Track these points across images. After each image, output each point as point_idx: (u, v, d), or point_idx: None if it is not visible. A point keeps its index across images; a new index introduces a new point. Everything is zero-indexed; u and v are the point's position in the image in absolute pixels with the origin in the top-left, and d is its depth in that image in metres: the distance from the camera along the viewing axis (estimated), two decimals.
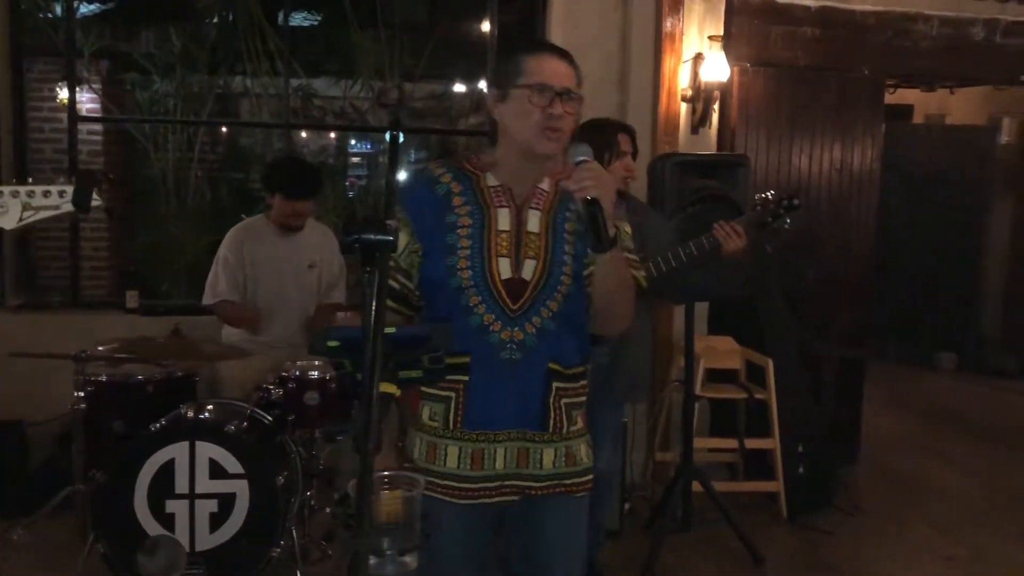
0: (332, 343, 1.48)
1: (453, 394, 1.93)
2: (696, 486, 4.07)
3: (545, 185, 1.99)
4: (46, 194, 1.69)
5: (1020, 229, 8.36)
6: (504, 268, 1.90)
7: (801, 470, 4.56)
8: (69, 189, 1.68)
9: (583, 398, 2.03)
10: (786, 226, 3.39)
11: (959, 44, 5.17)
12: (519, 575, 2.06)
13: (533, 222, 1.94)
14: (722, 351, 4.62)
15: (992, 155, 8.30)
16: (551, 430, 1.96)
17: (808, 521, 4.40)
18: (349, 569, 1.07)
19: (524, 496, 1.97)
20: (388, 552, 1.37)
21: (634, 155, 3.35)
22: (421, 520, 1.41)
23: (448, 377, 1.83)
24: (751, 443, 4.57)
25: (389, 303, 1.87)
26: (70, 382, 3.49)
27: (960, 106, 8.54)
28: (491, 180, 1.97)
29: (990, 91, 7.76)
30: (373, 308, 1.37)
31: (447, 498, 1.93)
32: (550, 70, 1.90)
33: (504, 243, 1.91)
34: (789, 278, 4.89)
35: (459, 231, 1.92)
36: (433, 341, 1.53)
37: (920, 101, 8.59)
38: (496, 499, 1.96)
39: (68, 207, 1.69)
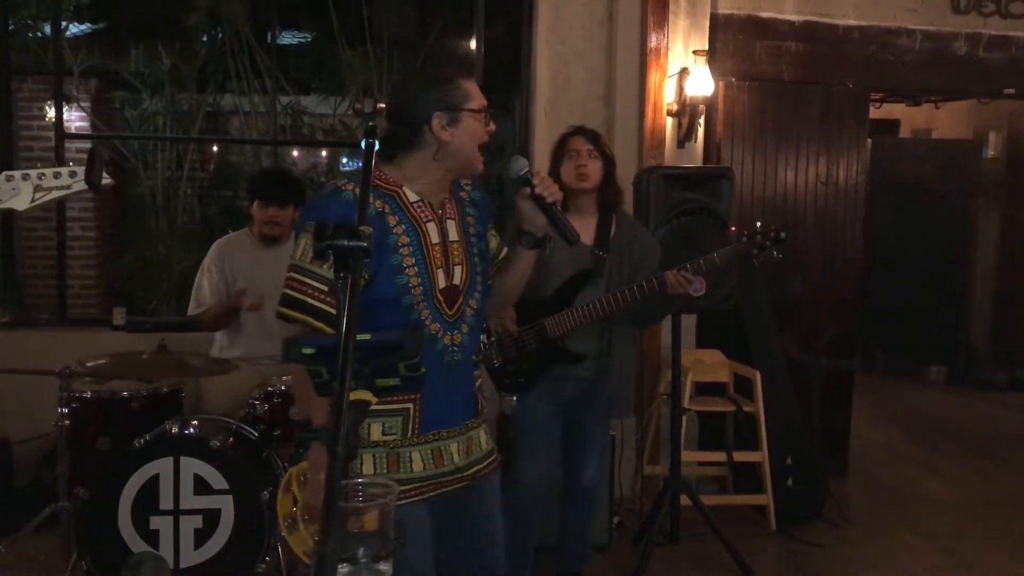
0: (307, 350, 1.48)
1: (410, 405, 2.04)
2: (684, 499, 4.07)
3: (446, 195, 2.16)
4: (56, 175, 1.74)
5: (1007, 243, 8.39)
6: (441, 278, 2.08)
7: (790, 482, 4.56)
8: (79, 169, 1.72)
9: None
10: (775, 256, 3.35)
11: (942, 58, 5.22)
12: (466, 549, 2.24)
13: (452, 231, 2.13)
14: (710, 364, 4.62)
15: (979, 169, 8.35)
16: (479, 413, 2.23)
17: (797, 533, 4.40)
18: (315, 575, 1.06)
19: (475, 481, 2.18)
20: (362, 560, 1.37)
21: (606, 157, 3.32)
22: (396, 527, 1.41)
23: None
24: (740, 456, 4.57)
25: (328, 329, 1.95)
26: (53, 400, 3.48)
27: (946, 120, 8.60)
28: (411, 195, 2.09)
29: (975, 105, 7.83)
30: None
31: (416, 499, 2.04)
32: (477, 92, 2.09)
33: (437, 255, 2.08)
34: (776, 291, 4.91)
35: (402, 250, 2.03)
36: (406, 347, 1.52)
37: (906, 116, 8.65)
38: (450, 488, 2.12)
39: (79, 186, 1.73)
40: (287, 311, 1.98)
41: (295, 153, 8.53)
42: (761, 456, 4.49)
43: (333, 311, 1.96)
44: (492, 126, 2.10)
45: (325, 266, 1.94)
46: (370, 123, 1.71)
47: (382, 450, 2.03)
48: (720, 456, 4.65)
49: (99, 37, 7.20)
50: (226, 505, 3.25)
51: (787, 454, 4.57)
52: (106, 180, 1.75)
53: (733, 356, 4.68)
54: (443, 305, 2.07)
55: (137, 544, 3.20)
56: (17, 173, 1.71)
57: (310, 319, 1.97)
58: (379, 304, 1.96)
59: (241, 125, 7.33)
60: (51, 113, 6.29)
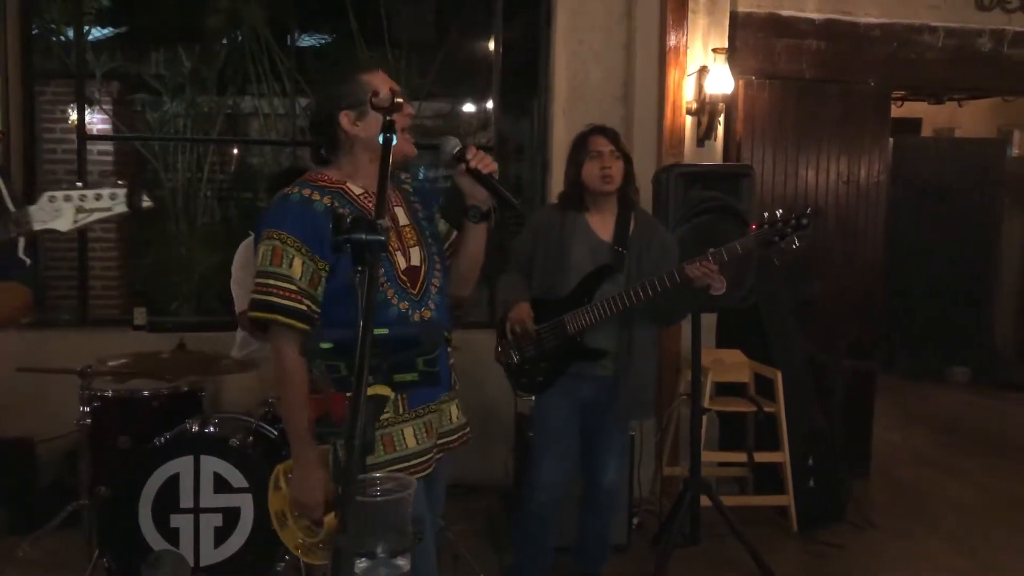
0: (326, 344, 1.47)
1: None
2: (704, 500, 4.04)
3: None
4: (97, 197, 1.75)
5: None
6: (400, 260, 2.16)
7: (811, 484, 4.52)
8: (119, 192, 1.74)
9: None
10: (795, 246, 3.32)
11: (966, 55, 5.16)
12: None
13: (401, 217, 2.22)
14: (730, 364, 4.59)
15: (1002, 168, 8.28)
16: (452, 387, 2.32)
17: (818, 535, 4.36)
18: (332, 568, 1.06)
19: (445, 453, 2.28)
20: (380, 555, 1.36)
21: (626, 157, 3.31)
22: (413, 522, 1.40)
23: None
24: (760, 457, 4.53)
25: (300, 326, 2.05)
26: (75, 399, 3.50)
27: (969, 119, 8.53)
28: (356, 189, 2.18)
29: (999, 104, 7.76)
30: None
31: (418, 476, 2.09)
32: (383, 81, 2.15)
33: (393, 239, 2.15)
34: (797, 291, 4.87)
35: None
36: (424, 343, 1.52)
37: (928, 114, 8.58)
38: (433, 465, 2.21)
39: (120, 208, 1.75)
40: (257, 314, 2.07)
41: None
42: (782, 457, 4.45)
43: (303, 307, 2.05)
44: (408, 109, 2.13)
45: (285, 265, 2.03)
46: (387, 118, 1.70)
47: (377, 431, 2.01)
48: (740, 457, 4.61)
49: (120, 41, 7.25)
50: (246, 504, 3.26)
51: (808, 455, 4.53)
52: (147, 203, 1.78)
53: (753, 356, 4.64)
54: (407, 285, 2.15)
55: (158, 542, 3.21)
56: (59, 194, 1.73)
57: (279, 316, 2.04)
58: (346, 290, 1.96)
59: (261, 127, 7.35)
60: (73, 116, 6.36)
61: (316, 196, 2.12)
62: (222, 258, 4.21)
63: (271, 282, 2.05)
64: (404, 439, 2.14)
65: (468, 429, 2.39)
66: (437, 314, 2.22)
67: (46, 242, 5.54)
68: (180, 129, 7.11)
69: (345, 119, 2.14)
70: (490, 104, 5.20)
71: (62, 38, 6.55)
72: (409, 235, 2.21)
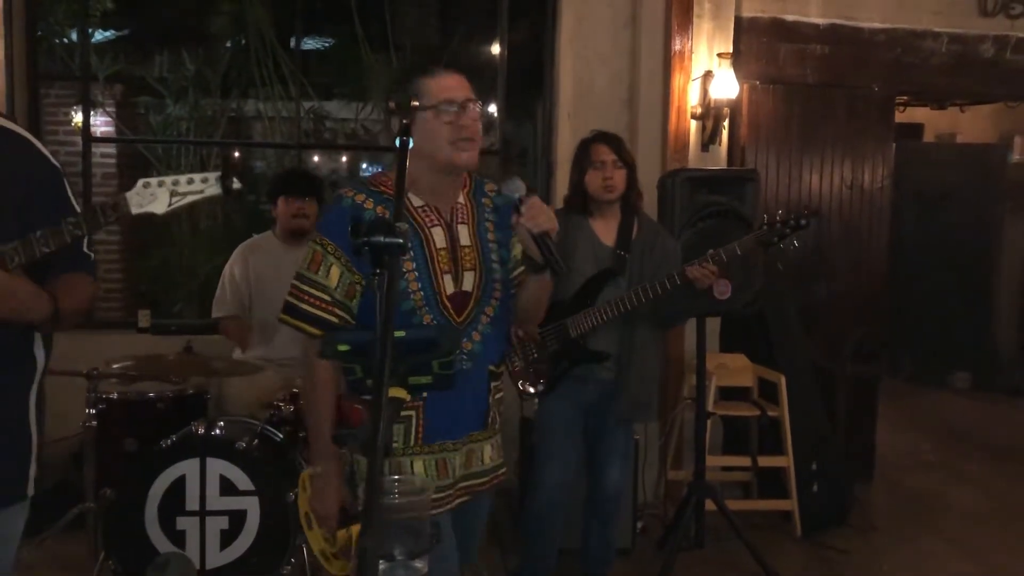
0: (342, 347, 1.48)
1: (412, 413, 2.01)
2: (709, 504, 4.04)
3: (462, 199, 2.11)
4: (189, 181, 1.82)
5: None
6: (448, 284, 2.03)
7: (815, 488, 4.52)
8: (211, 176, 1.80)
9: (501, 393, 2.21)
10: (793, 246, 3.36)
11: (969, 61, 5.17)
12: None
13: (464, 236, 2.09)
14: (734, 368, 4.59)
15: (1004, 173, 8.28)
16: (488, 426, 2.15)
17: (822, 539, 4.36)
18: (357, 568, 1.06)
19: (473, 496, 2.13)
20: (399, 557, 1.37)
21: (628, 165, 3.32)
22: (431, 526, 1.41)
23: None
24: (764, 461, 4.54)
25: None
26: (81, 401, 3.50)
27: (970, 125, 8.53)
28: (416, 200, 2.06)
29: (1000, 109, 7.75)
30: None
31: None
32: (447, 86, 2.03)
33: (444, 260, 2.04)
34: (801, 295, 4.88)
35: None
36: (442, 345, 1.53)
37: (930, 120, 8.58)
38: (453, 504, 2.08)
39: (213, 190, 1.81)
40: (284, 317, 2.05)
41: (316, 159, 8.57)
42: (786, 461, 4.45)
43: (333, 318, 1.99)
44: (465, 117, 2.00)
45: (322, 273, 1.98)
46: (404, 120, 1.71)
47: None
48: (744, 461, 4.62)
49: (123, 43, 7.28)
50: (252, 506, 3.26)
51: (813, 459, 4.53)
52: (237, 185, 1.83)
53: (757, 360, 4.65)
54: (450, 311, 2.02)
55: (164, 544, 3.21)
56: (153, 180, 1.80)
57: (303, 324, 2.01)
58: (373, 308, 1.94)
59: (264, 130, 7.37)
60: (76, 118, 6.36)
61: (369, 204, 2.03)
62: (224, 261, 4.22)
63: (305, 288, 2.00)
64: (413, 473, 2.03)
65: (503, 470, 2.24)
66: (482, 346, 2.08)
67: None
68: (183, 132, 7.12)
69: (396, 124, 2.00)
70: (493, 108, 5.21)
71: (65, 40, 6.58)
72: (468, 257, 2.07)
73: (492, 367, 2.13)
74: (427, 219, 2.05)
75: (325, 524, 2.06)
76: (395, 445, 2.01)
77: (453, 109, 1.99)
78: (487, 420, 2.13)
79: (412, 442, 2.03)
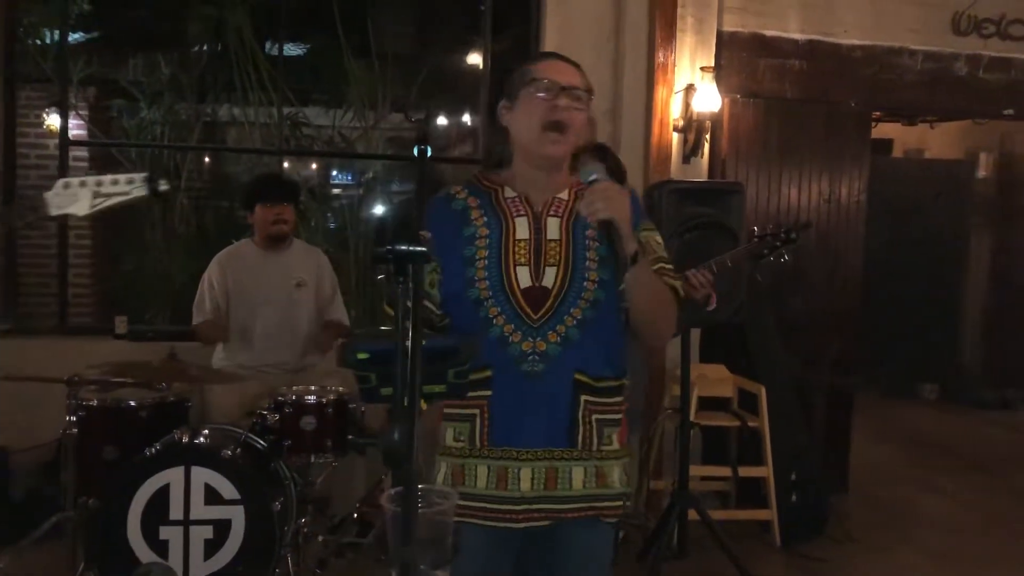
0: (362, 355, 1.46)
1: (477, 411, 1.89)
2: (691, 514, 4.05)
3: (564, 195, 1.97)
4: (114, 182, 1.73)
5: (998, 263, 8.48)
6: (523, 277, 1.87)
7: (794, 498, 4.56)
8: (137, 176, 1.72)
9: (618, 415, 1.96)
10: (784, 259, 3.40)
11: (943, 78, 5.28)
12: None
13: (553, 229, 1.91)
14: (714, 379, 4.62)
15: (970, 189, 8.45)
16: (580, 447, 1.89)
17: (801, 549, 4.40)
18: None
19: (555, 520, 1.90)
20: (421, 568, 1.35)
21: (615, 174, 3.33)
22: (453, 535, 1.39)
23: (471, 393, 1.73)
24: (744, 471, 4.57)
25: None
26: (55, 409, 3.44)
27: (938, 141, 8.70)
28: (508, 192, 1.96)
29: (967, 126, 7.93)
30: (408, 320, 1.35)
31: (477, 520, 1.87)
32: (555, 69, 1.92)
33: (523, 252, 1.89)
34: (779, 308, 4.93)
35: (477, 242, 1.91)
36: (461, 354, 1.52)
37: (900, 135, 8.74)
38: (523, 524, 1.89)
39: (140, 192, 1.73)
40: (387, 308, 1.91)
41: (286, 164, 8.50)
42: (766, 471, 4.49)
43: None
44: (562, 99, 1.86)
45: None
46: (422, 130, 1.69)
47: (452, 459, 1.93)
48: (724, 471, 4.65)
49: (97, 46, 7.17)
50: (237, 516, 3.21)
51: (791, 470, 4.57)
52: (164, 186, 1.76)
53: (736, 371, 4.69)
54: (523, 306, 1.86)
55: (146, 554, 3.15)
56: (74, 180, 1.73)
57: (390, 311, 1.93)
58: (450, 297, 1.89)
59: (239, 136, 7.30)
60: (49, 121, 6.27)
61: (462, 195, 1.96)
62: (198, 267, 4.16)
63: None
64: (476, 477, 1.89)
65: (611, 503, 1.94)
66: (561, 349, 1.85)
67: (22, 248, 5.45)
68: (157, 136, 7.03)
69: (503, 111, 1.96)
70: (466, 117, 5.21)
71: (39, 41, 6.47)
72: (553, 251, 1.88)
73: (584, 378, 1.89)
74: (514, 209, 1.93)
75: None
76: (461, 445, 1.90)
77: (553, 89, 1.86)
78: (576, 437, 1.88)
79: (479, 443, 1.89)
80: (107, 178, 1.74)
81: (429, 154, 1.59)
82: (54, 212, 1.74)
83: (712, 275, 3.23)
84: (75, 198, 1.73)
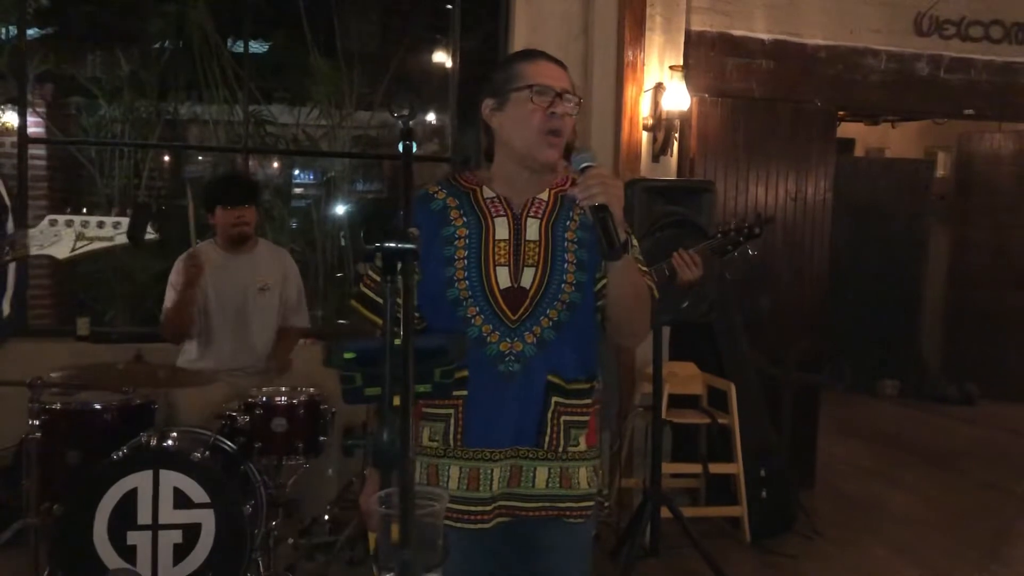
0: (348, 355, 1.44)
1: (452, 411, 1.88)
2: (663, 511, 4.06)
3: (544, 195, 1.95)
4: (100, 224, 1.68)
5: (956, 260, 8.64)
6: (503, 277, 1.87)
7: (764, 494, 4.59)
8: (124, 221, 1.66)
9: (586, 418, 1.95)
10: (750, 253, 3.43)
11: (906, 78, 5.35)
12: None
13: (532, 230, 1.91)
14: (684, 377, 4.64)
15: (929, 187, 8.59)
16: (546, 447, 1.90)
17: (770, 545, 4.43)
18: None
19: (515, 518, 1.91)
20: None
21: None
22: (444, 537, 1.37)
23: None
24: (715, 468, 4.59)
25: (374, 318, 1.93)
26: (13, 413, 3.34)
27: (899, 140, 8.85)
28: (488, 192, 1.95)
29: (927, 126, 8.06)
30: (395, 319, 1.33)
31: (450, 522, 1.81)
32: (547, 73, 1.89)
33: (502, 252, 1.88)
34: (746, 305, 4.96)
35: (456, 242, 1.90)
36: (449, 353, 1.50)
37: (861, 135, 8.86)
38: (492, 522, 1.90)
39: (122, 239, 1.67)
40: (354, 304, 1.98)
41: (250, 162, 8.40)
42: (736, 468, 4.52)
43: (379, 299, 1.90)
44: (559, 106, 1.84)
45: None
46: (406, 125, 1.65)
47: (427, 458, 1.91)
48: (695, 468, 4.67)
49: (54, 41, 7.02)
50: (207, 519, 3.15)
51: (760, 466, 4.61)
52: (151, 235, 1.71)
53: (705, 369, 4.71)
54: (502, 306, 1.86)
55: (113, 560, 3.08)
56: (61, 218, 1.67)
57: (355, 303, 1.96)
58: (428, 298, 1.86)
59: (200, 134, 7.20)
60: (5, 118, 6.12)
61: (441, 195, 1.94)
62: (160, 267, 4.08)
63: (371, 273, 1.95)
64: (449, 478, 1.88)
65: (568, 505, 1.92)
66: (537, 350, 1.85)
67: None
68: (117, 134, 6.90)
69: (486, 109, 1.92)
70: (432, 116, 5.18)
71: None
72: (532, 252, 1.88)
73: (557, 379, 1.89)
74: (493, 209, 1.92)
75: (366, 520, 1.92)
76: (436, 444, 1.89)
77: (548, 95, 1.84)
78: (543, 439, 1.89)
79: (452, 443, 1.88)
80: (93, 219, 1.69)
81: (415, 150, 1.56)
82: (34, 251, 1.71)
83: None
84: (58, 238, 1.68)
